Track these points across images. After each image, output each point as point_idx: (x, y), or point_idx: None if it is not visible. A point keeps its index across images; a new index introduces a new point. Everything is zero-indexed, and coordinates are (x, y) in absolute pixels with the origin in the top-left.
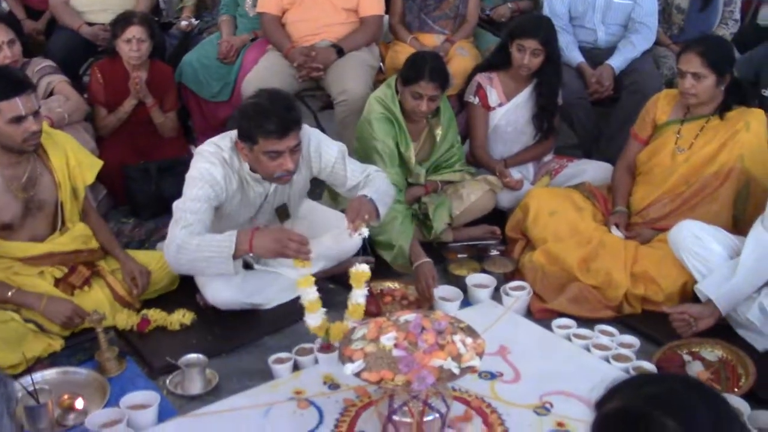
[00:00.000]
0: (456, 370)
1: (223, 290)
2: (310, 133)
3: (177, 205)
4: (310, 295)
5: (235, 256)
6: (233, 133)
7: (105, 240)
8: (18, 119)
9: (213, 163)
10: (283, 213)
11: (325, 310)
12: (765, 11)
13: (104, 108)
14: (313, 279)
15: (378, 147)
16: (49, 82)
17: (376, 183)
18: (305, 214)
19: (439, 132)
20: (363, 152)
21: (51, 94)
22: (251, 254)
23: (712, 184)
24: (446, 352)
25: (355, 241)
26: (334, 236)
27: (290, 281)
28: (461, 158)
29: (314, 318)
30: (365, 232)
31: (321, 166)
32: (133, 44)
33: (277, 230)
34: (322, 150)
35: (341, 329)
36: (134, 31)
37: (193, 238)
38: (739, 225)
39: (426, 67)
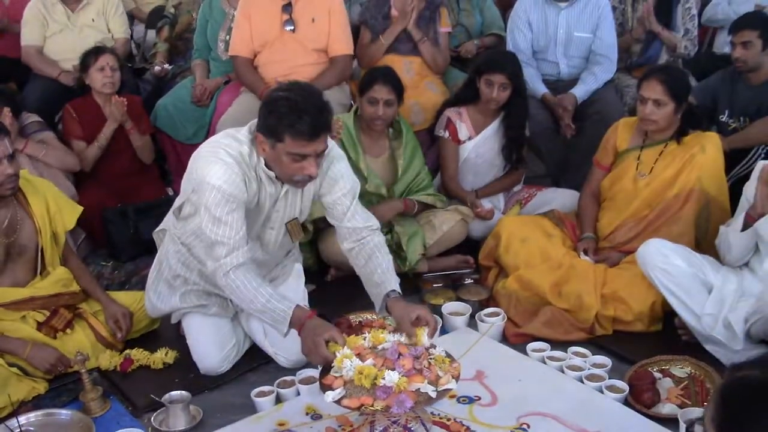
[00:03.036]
0: (433, 394)
1: (211, 360)
2: (334, 153)
3: (204, 229)
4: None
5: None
6: (253, 124)
7: (86, 283)
8: None
9: (227, 170)
10: (294, 228)
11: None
12: (720, 40)
13: (83, 141)
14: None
15: None
16: (41, 138)
17: (386, 256)
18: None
19: (401, 162)
20: None
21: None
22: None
23: (673, 207)
24: (423, 377)
25: None
26: None
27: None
28: (430, 185)
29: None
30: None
31: (327, 188)
32: (106, 71)
33: (324, 334)
34: (333, 173)
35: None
36: (107, 59)
37: (247, 292)
38: (702, 245)
39: (378, 73)
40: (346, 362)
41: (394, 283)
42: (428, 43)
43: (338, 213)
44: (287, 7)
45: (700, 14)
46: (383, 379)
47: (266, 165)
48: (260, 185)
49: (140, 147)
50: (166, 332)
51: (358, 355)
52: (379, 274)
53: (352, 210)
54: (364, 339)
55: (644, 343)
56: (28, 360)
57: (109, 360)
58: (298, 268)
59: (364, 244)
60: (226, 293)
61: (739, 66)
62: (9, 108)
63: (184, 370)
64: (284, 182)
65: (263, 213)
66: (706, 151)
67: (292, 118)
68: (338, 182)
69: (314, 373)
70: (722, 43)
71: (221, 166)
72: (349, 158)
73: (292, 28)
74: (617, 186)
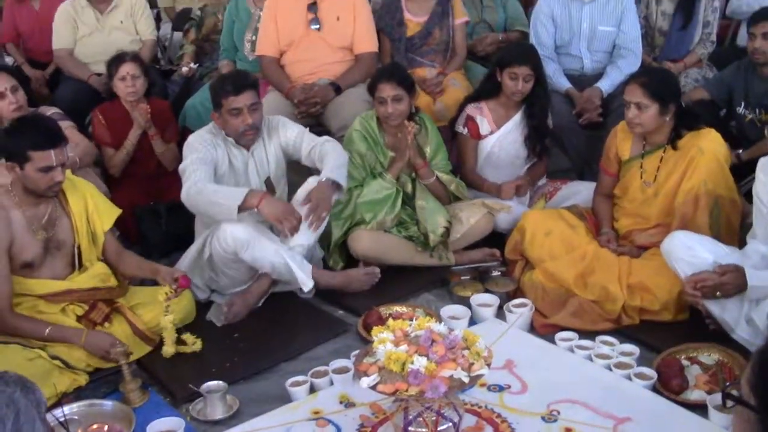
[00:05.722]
0: (466, 379)
1: (236, 227)
2: (278, 117)
3: (183, 167)
4: None
5: (241, 208)
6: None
7: (135, 265)
8: (47, 169)
9: (198, 134)
10: (269, 186)
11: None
12: (743, 33)
13: (111, 148)
14: None
15: (350, 155)
16: None
17: (331, 155)
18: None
19: (428, 149)
20: None
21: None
22: (256, 209)
23: (688, 214)
24: (456, 363)
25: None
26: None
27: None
28: (452, 177)
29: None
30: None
31: (284, 139)
32: (127, 81)
33: (287, 203)
34: (283, 126)
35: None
36: (127, 68)
37: (211, 185)
38: (720, 240)
39: (382, 72)
40: (380, 348)
41: (326, 173)
42: (435, 182)
43: (298, 148)
44: (312, 6)
45: (724, 8)
46: (412, 364)
47: (227, 134)
48: (229, 151)
49: (162, 154)
50: (201, 326)
51: (395, 343)
52: (323, 166)
53: (307, 140)
54: (410, 324)
55: (672, 331)
56: (85, 346)
57: (164, 296)
58: None
59: (320, 154)
60: (194, 205)
61: (757, 57)
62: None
63: (221, 361)
64: (238, 141)
65: (240, 175)
66: (704, 151)
67: (221, 83)
68: (286, 127)
69: (348, 363)
70: (745, 36)
71: (194, 134)
72: (372, 156)
73: (318, 26)
74: (628, 196)
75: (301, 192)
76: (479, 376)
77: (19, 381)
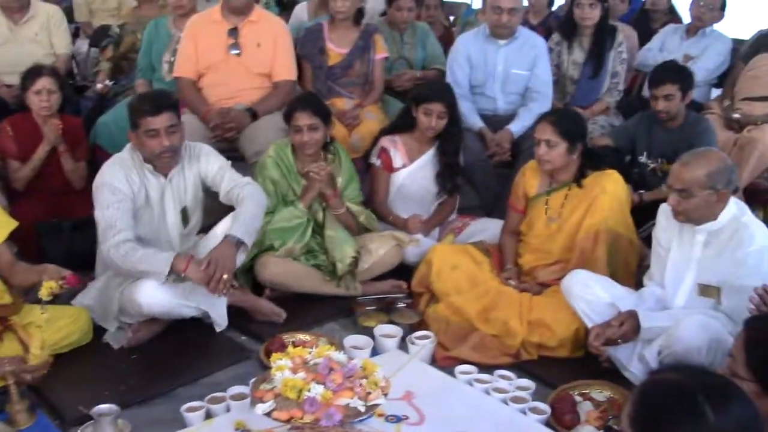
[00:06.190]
0: (362, 408)
1: (153, 291)
2: (201, 145)
3: (97, 216)
4: None
5: (168, 274)
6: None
7: (24, 272)
8: None
9: (111, 170)
10: (185, 216)
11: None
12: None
13: (17, 161)
14: None
15: (260, 182)
16: None
17: (247, 204)
18: (208, 245)
19: (340, 180)
20: None
21: None
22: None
23: (587, 249)
24: (353, 392)
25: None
26: None
27: None
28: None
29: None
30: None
31: (204, 170)
32: (43, 95)
33: (210, 266)
34: (205, 156)
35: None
36: (44, 82)
37: (137, 251)
38: (617, 278)
39: (298, 101)
40: (277, 374)
41: (234, 229)
42: (345, 213)
43: (217, 183)
44: (233, 32)
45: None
46: (308, 391)
47: (146, 160)
48: (145, 180)
49: (70, 171)
50: (96, 347)
51: (293, 370)
52: (234, 218)
53: (228, 177)
54: (310, 352)
55: (567, 368)
56: None
57: (48, 290)
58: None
59: (236, 197)
60: (118, 265)
61: (662, 116)
62: None
63: (115, 383)
64: (155, 165)
65: (156, 207)
66: (607, 191)
67: (138, 103)
68: (207, 158)
69: (246, 389)
70: None
71: (106, 169)
72: (285, 183)
73: (238, 51)
74: (533, 231)
75: (210, 241)
76: (376, 406)
77: None
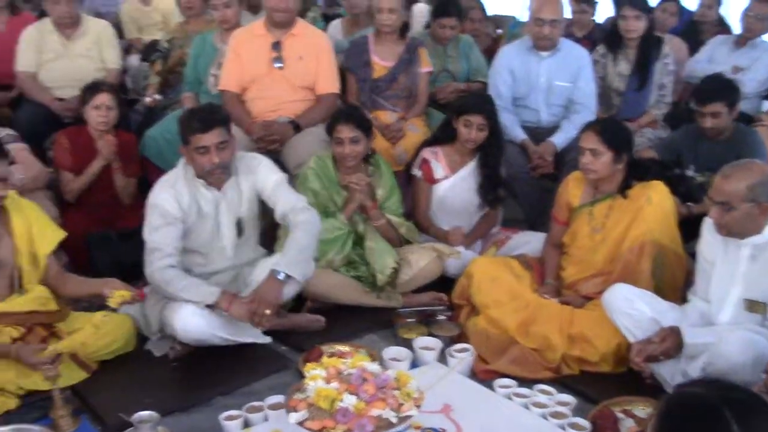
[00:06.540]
0: (394, 420)
1: (191, 318)
2: (259, 157)
3: (146, 236)
4: None
5: (211, 307)
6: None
7: (77, 284)
8: None
9: (161, 191)
10: (239, 227)
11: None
12: None
13: (70, 173)
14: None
15: (301, 192)
16: (9, 150)
17: (298, 233)
18: (262, 273)
19: (380, 191)
20: None
21: (12, 162)
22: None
23: (632, 261)
24: (385, 403)
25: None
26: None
27: None
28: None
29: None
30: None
31: (261, 184)
32: (101, 111)
33: (253, 303)
34: (262, 170)
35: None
36: (103, 98)
37: (181, 280)
38: (662, 292)
39: (340, 113)
40: (311, 384)
41: (281, 263)
42: (385, 224)
43: (274, 201)
44: (276, 45)
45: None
46: (341, 402)
47: (198, 175)
48: (197, 195)
49: (122, 187)
50: (141, 354)
51: (326, 380)
52: (284, 249)
53: (284, 197)
54: (343, 363)
55: (609, 383)
56: (18, 357)
57: (120, 298)
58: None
59: (290, 223)
60: (161, 287)
61: (711, 133)
62: None
63: (156, 391)
64: (205, 180)
65: (210, 220)
66: (653, 201)
67: (188, 120)
68: (263, 171)
69: (283, 399)
70: None
71: (157, 188)
72: (326, 195)
73: (281, 65)
74: (576, 243)
75: (260, 270)
76: (408, 417)
77: None
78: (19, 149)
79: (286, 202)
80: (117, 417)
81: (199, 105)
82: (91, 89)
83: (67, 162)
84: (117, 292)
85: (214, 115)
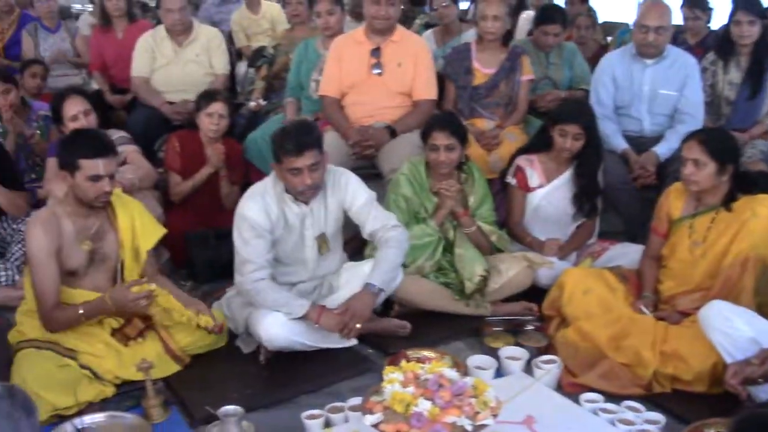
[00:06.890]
0: (469, 427)
1: (275, 327)
2: (347, 173)
3: (236, 246)
4: None
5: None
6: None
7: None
8: (96, 178)
9: (251, 203)
10: (323, 242)
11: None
12: None
13: (179, 175)
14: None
15: (393, 198)
16: (122, 151)
17: (389, 251)
18: (349, 279)
19: (472, 198)
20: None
21: (124, 162)
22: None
23: (733, 277)
24: (460, 410)
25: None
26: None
27: None
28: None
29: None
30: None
31: (349, 202)
32: (214, 119)
33: (343, 315)
34: (351, 188)
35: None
36: (217, 107)
37: (271, 292)
38: (764, 311)
39: (436, 120)
40: (387, 387)
41: (375, 278)
42: (476, 232)
43: (362, 219)
44: (375, 52)
45: None
46: (416, 406)
47: (286, 190)
48: (285, 208)
49: (226, 194)
50: (232, 350)
51: (403, 384)
52: (376, 264)
53: (373, 215)
54: (422, 368)
55: (702, 403)
56: (113, 301)
57: (204, 323)
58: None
59: (380, 239)
60: (251, 297)
61: None
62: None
63: (242, 387)
64: (296, 197)
65: (295, 232)
66: (758, 215)
67: (282, 141)
68: (353, 189)
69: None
70: None
71: (247, 200)
72: (417, 201)
73: (380, 71)
74: (675, 256)
75: (353, 277)
76: (483, 426)
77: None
78: (130, 150)
79: (375, 219)
80: (204, 410)
81: (293, 121)
82: (206, 97)
83: (176, 164)
84: (204, 318)
85: (307, 136)
